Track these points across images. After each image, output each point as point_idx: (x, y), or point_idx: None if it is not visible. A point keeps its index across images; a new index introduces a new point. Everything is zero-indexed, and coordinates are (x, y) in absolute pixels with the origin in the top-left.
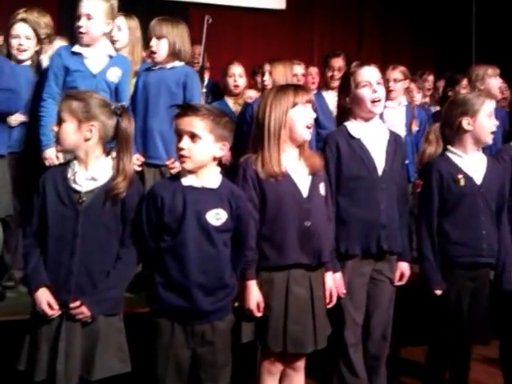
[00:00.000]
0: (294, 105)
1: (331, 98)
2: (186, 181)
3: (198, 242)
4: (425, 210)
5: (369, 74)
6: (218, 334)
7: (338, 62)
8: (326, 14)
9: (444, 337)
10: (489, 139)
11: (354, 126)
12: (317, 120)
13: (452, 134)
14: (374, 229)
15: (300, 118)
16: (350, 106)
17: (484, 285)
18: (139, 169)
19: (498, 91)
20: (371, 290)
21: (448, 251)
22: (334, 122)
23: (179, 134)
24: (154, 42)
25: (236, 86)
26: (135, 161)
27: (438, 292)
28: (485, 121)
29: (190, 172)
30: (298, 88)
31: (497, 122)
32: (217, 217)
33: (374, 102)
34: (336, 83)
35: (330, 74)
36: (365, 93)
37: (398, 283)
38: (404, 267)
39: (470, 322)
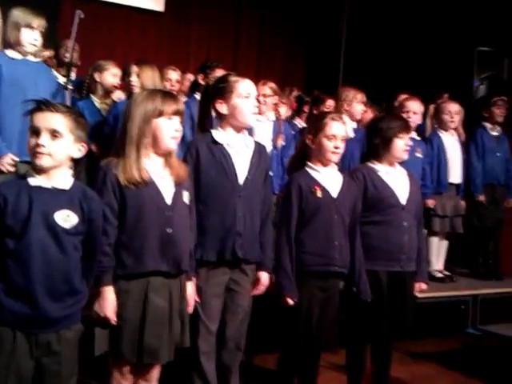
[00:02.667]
0: (160, 115)
1: None
2: (34, 181)
3: (45, 245)
4: (284, 220)
5: (251, 86)
6: (65, 344)
7: (221, 73)
8: (203, 22)
9: (295, 344)
10: (330, 157)
11: (218, 133)
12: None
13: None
14: (230, 236)
15: (164, 129)
16: (224, 113)
17: (334, 294)
18: (12, 169)
19: (360, 116)
20: (228, 300)
21: (302, 260)
22: None
23: (36, 131)
24: None
25: (115, 87)
26: (9, 160)
27: (290, 301)
28: (323, 141)
29: (39, 172)
30: (166, 97)
31: (340, 144)
32: (66, 218)
33: (252, 113)
34: None
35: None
36: (245, 104)
37: (254, 292)
38: (263, 277)
39: (320, 329)
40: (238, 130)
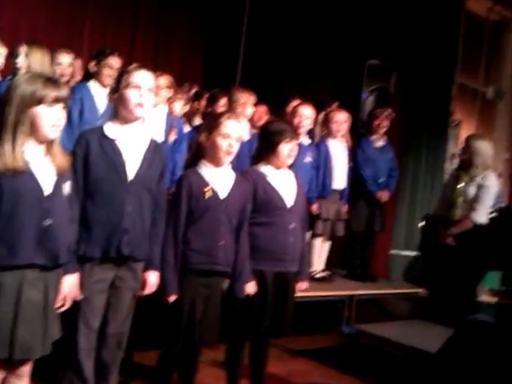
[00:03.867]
0: (39, 102)
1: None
2: None
3: None
4: (172, 217)
5: (142, 78)
6: None
7: (114, 61)
8: (100, 6)
9: (175, 340)
10: (223, 157)
11: (110, 127)
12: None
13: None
14: (116, 232)
15: (44, 117)
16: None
17: (217, 292)
18: None
19: (251, 116)
20: (111, 297)
21: (187, 258)
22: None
23: None
24: None
25: None
26: None
27: (173, 297)
28: (217, 139)
29: None
30: (47, 82)
31: (235, 144)
32: None
33: (139, 105)
34: (108, 80)
35: (106, 71)
36: (132, 95)
37: (142, 292)
38: (150, 276)
39: (202, 326)
40: (129, 121)
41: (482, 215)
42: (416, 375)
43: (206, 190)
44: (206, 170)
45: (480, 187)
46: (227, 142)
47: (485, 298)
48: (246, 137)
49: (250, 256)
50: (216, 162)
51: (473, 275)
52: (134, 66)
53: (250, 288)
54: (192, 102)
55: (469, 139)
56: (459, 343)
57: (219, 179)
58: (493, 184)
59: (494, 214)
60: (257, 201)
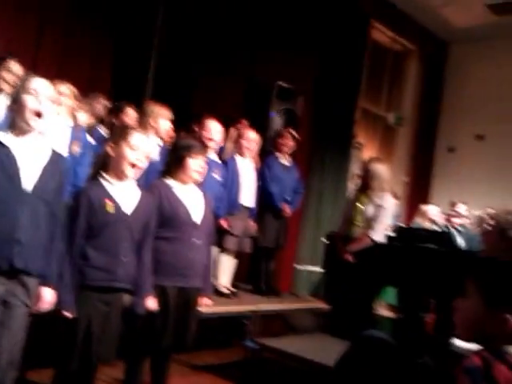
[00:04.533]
0: None
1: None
2: None
3: None
4: (70, 231)
5: (40, 85)
6: None
7: (13, 65)
8: (2, 10)
9: (71, 358)
10: (127, 170)
11: (6, 135)
12: None
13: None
14: (8, 243)
15: None
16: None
17: (116, 309)
18: None
19: (164, 131)
20: (2, 314)
21: (85, 274)
22: None
23: None
24: None
25: None
26: None
27: (69, 314)
28: (124, 150)
29: None
30: None
31: (142, 158)
32: None
33: (36, 114)
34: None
35: (3, 74)
36: (29, 101)
37: (36, 309)
38: (45, 292)
39: (99, 343)
40: (25, 132)
41: (380, 234)
42: None
43: (107, 203)
44: (109, 184)
45: (378, 207)
46: (134, 154)
47: (383, 312)
48: (156, 154)
49: (154, 271)
50: (120, 174)
51: (370, 291)
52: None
53: (151, 304)
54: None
55: (367, 163)
56: (352, 357)
57: (122, 193)
58: (389, 204)
59: (391, 233)
60: (163, 215)
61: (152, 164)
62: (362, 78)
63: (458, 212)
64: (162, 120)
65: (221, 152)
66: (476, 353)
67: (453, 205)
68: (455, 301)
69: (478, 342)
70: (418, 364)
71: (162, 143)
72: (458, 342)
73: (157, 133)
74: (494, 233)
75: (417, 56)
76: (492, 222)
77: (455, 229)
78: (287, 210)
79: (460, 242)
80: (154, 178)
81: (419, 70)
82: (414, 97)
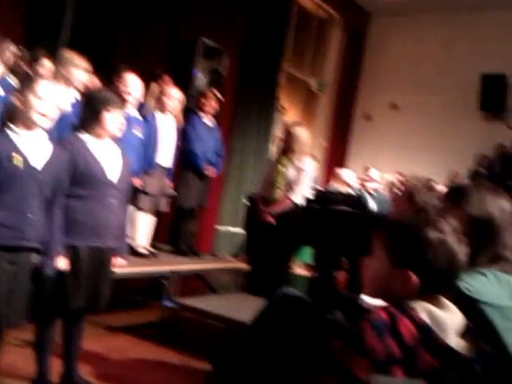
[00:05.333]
0: None
1: None
2: None
3: None
4: None
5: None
6: None
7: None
8: None
9: None
10: (37, 120)
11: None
12: None
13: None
14: None
15: None
16: None
17: (24, 269)
18: None
19: (80, 82)
20: None
21: None
22: None
23: None
24: None
25: None
26: None
27: None
28: (31, 100)
29: None
30: None
31: (51, 108)
32: None
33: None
34: None
35: None
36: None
37: None
38: None
39: (7, 305)
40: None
41: (300, 196)
42: (233, 346)
43: (14, 157)
44: (17, 136)
45: (298, 170)
46: (41, 104)
47: (299, 271)
48: (69, 106)
49: (66, 230)
50: (28, 123)
51: (288, 251)
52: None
53: (62, 264)
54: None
55: (289, 126)
56: (268, 313)
57: (32, 146)
58: (310, 168)
59: (310, 196)
60: (76, 172)
61: (65, 117)
62: (287, 42)
63: (371, 177)
64: (77, 70)
65: (142, 108)
66: (382, 308)
67: (367, 170)
68: (363, 259)
69: (383, 298)
70: (329, 320)
71: (78, 95)
72: (367, 299)
73: (69, 83)
74: (402, 197)
75: (340, 24)
76: (401, 187)
77: (368, 192)
78: (211, 171)
79: (372, 205)
80: (67, 132)
81: (342, 38)
82: (336, 64)
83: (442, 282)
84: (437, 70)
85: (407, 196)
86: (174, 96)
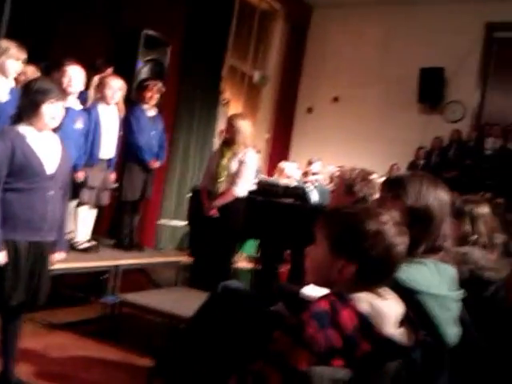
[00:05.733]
0: None
1: None
2: None
3: None
4: None
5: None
6: None
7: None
8: None
9: None
10: None
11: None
12: None
13: None
14: None
15: None
16: None
17: None
18: None
19: (17, 73)
20: None
21: None
22: None
23: None
24: None
25: None
26: None
27: None
28: None
29: None
30: None
31: None
32: None
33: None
34: None
35: None
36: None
37: None
38: None
39: None
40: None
41: (242, 189)
42: (175, 341)
43: None
44: None
45: (241, 163)
46: None
47: (243, 264)
48: (6, 96)
49: (3, 224)
50: None
51: (232, 244)
52: None
53: (0, 258)
54: None
55: (232, 118)
56: (210, 307)
57: None
58: (252, 160)
59: (252, 188)
60: (14, 165)
61: (1, 108)
62: (230, 34)
63: (313, 169)
64: (14, 60)
65: (83, 100)
66: (323, 297)
67: (309, 162)
68: (306, 248)
69: (325, 287)
70: (271, 312)
71: (15, 86)
72: (310, 290)
73: (7, 74)
74: (341, 189)
75: (282, 17)
76: (340, 179)
77: (310, 184)
78: (155, 163)
79: (314, 196)
80: (3, 123)
81: (284, 31)
82: (278, 57)
83: (379, 271)
84: (377, 62)
85: (345, 187)
86: (116, 86)
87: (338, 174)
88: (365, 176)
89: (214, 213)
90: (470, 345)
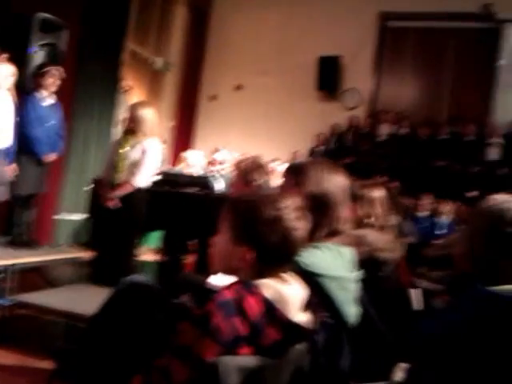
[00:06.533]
0: None
1: None
2: None
3: None
4: None
5: None
6: None
7: None
8: None
9: None
10: None
11: None
12: None
13: None
14: None
15: None
16: None
17: None
18: None
19: None
20: None
21: None
22: None
23: None
24: None
25: None
26: None
27: None
28: None
29: None
30: None
31: None
32: None
33: None
34: None
35: None
36: None
37: None
38: None
39: None
40: None
41: (143, 179)
42: (76, 340)
43: None
44: None
45: (143, 152)
46: None
47: (147, 257)
48: None
49: None
50: None
51: (134, 236)
52: None
53: None
54: None
55: (133, 106)
56: (113, 303)
57: None
58: (155, 149)
59: (158, 178)
60: None
61: None
62: (130, 18)
63: (218, 157)
64: None
65: None
66: (228, 286)
67: (213, 150)
68: (211, 238)
69: (230, 274)
70: (176, 304)
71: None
72: (215, 280)
73: None
74: (240, 177)
75: (184, 2)
76: (236, 170)
77: (216, 173)
78: (49, 157)
79: (220, 185)
80: None
81: (187, 16)
82: (181, 43)
83: (279, 256)
84: (278, 50)
85: (242, 175)
86: (6, 72)
87: (239, 162)
88: (257, 163)
89: (114, 204)
90: (369, 323)
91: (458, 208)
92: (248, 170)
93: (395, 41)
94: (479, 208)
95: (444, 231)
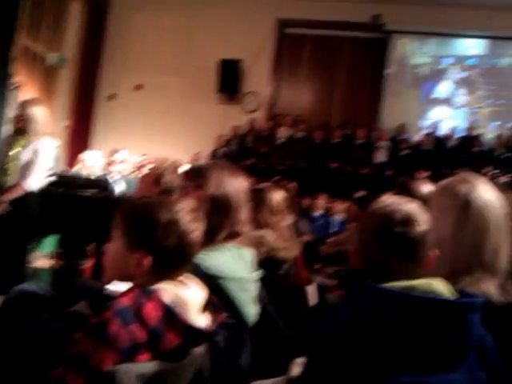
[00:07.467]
0: None
1: None
2: None
3: None
4: None
5: None
6: None
7: None
8: None
9: None
10: None
11: None
12: None
13: None
14: None
15: None
16: None
17: None
18: None
19: None
20: None
21: None
22: None
23: None
24: None
25: None
26: None
27: None
28: None
29: None
30: None
31: None
32: None
33: None
34: None
35: None
36: None
37: None
38: None
39: None
40: None
41: (35, 181)
42: None
43: None
44: None
45: (34, 153)
46: None
47: (41, 263)
48: None
49: None
50: None
51: (26, 242)
52: None
53: None
54: None
55: (23, 105)
56: (1, 317)
57: None
58: (47, 150)
59: (51, 179)
60: None
61: None
62: (23, 12)
63: (117, 158)
64: None
65: None
66: (125, 293)
67: (112, 151)
68: (104, 246)
69: (125, 281)
70: (71, 312)
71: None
72: (113, 286)
73: None
74: (149, 179)
75: None
76: (148, 168)
77: (115, 174)
78: None
79: (120, 187)
80: None
81: (83, 12)
82: (77, 40)
83: (176, 260)
84: (178, 51)
85: (153, 178)
86: None
87: (145, 163)
88: (174, 168)
89: (2, 209)
90: (268, 320)
91: (348, 207)
92: (162, 173)
93: (293, 47)
94: (370, 209)
95: (336, 229)
